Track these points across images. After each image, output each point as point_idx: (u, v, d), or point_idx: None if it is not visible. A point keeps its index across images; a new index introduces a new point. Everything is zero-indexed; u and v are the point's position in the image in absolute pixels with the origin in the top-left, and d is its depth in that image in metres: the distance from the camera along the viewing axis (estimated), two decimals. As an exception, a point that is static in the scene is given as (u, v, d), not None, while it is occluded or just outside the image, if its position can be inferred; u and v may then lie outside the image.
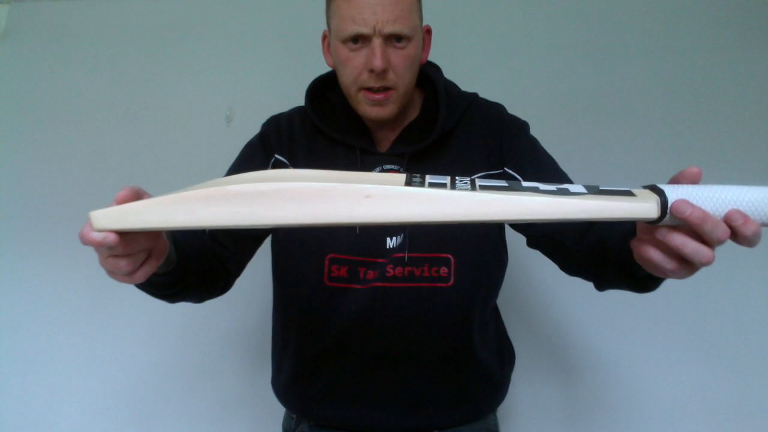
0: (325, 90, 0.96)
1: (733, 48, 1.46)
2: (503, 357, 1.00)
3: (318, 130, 0.94)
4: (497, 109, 0.98)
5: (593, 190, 0.52)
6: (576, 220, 0.50)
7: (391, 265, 0.87)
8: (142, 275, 0.60)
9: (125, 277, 0.58)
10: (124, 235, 0.54)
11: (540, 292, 1.43)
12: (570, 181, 0.86)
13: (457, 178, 0.55)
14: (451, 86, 0.97)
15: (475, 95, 0.98)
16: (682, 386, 1.40)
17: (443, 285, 0.88)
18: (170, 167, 1.50)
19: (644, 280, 0.68)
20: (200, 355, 1.48)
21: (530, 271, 1.40)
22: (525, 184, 0.54)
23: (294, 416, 0.99)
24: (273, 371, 1.02)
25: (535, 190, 0.52)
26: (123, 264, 0.57)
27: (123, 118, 1.56)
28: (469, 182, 0.54)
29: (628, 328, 1.41)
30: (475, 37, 1.50)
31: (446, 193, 0.50)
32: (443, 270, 0.88)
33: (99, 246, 0.53)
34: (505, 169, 0.90)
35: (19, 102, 1.58)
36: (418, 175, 0.55)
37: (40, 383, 1.49)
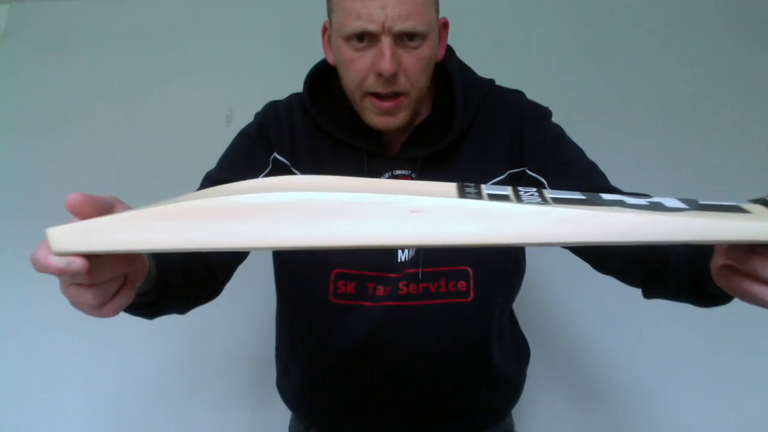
0: (325, 77, 0.85)
1: (733, 48, 1.46)
2: (520, 355, 0.95)
3: (320, 127, 0.83)
4: (516, 97, 0.87)
5: (694, 205, 0.42)
6: (679, 243, 0.40)
7: (404, 282, 0.79)
8: (113, 309, 0.47)
9: (92, 310, 0.46)
10: (92, 259, 0.41)
11: (550, 286, 1.43)
12: (601, 174, 0.80)
13: (520, 188, 0.45)
14: (466, 73, 0.86)
15: (491, 83, 0.87)
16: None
17: (462, 300, 0.79)
18: (170, 167, 1.49)
19: (715, 298, 0.60)
20: (203, 353, 1.48)
21: (543, 266, 1.39)
22: (606, 196, 0.44)
23: (304, 422, 0.95)
24: (279, 373, 0.97)
25: (622, 204, 0.42)
26: (89, 296, 0.44)
27: (123, 118, 1.56)
28: (536, 194, 0.44)
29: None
30: (475, 37, 1.50)
31: (517, 208, 0.40)
32: (461, 284, 0.79)
33: (60, 274, 0.41)
34: (526, 170, 0.81)
35: (19, 102, 1.58)
36: (473, 185, 0.45)
37: (40, 383, 1.48)
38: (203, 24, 1.58)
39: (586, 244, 0.40)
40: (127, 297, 0.48)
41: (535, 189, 0.45)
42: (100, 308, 0.46)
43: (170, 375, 1.47)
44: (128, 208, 0.45)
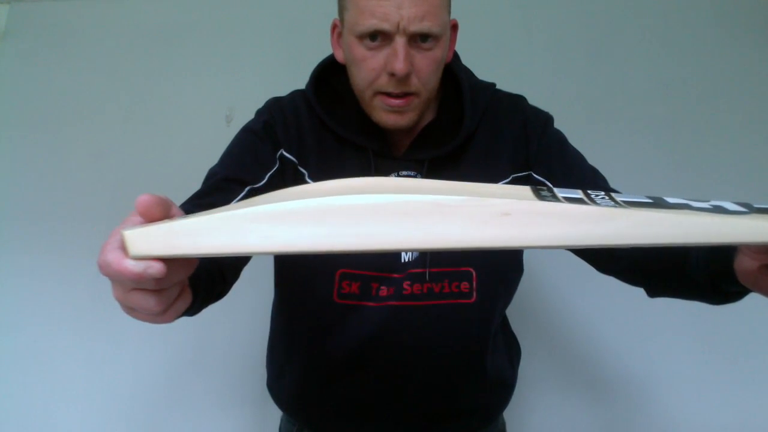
0: (329, 75, 0.84)
1: (733, 48, 1.46)
2: (512, 354, 0.96)
3: (325, 125, 0.83)
4: (519, 102, 0.88)
5: (752, 209, 0.44)
6: (748, 244, 0.42)
7: (409, 282, 0.79)
8: (173, 315, 0.45)
9: (151, 317, 0.44)
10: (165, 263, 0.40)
11: (542, 286, 1.43)
12: (603, 178, 0.81)
13: (590, 191, 0.46)
14: (470, 77, 0.87)
15: (493, 87, 0.88)
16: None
17: (465, 301, 0.80)
18: (170, 167, 1.49)
19: (729, 296, 0.62)
20: (195, 354, 1.47)
21: (536, 267, 1.39)
22: (670, 199, 0.45)
23: (296, 424, 0.95)
24: (272, 374, 0.96)
25: (688, 207, 0.43)
26: (153, 302, 0.42)
27: (123, 118, 1.56)
28: (607, 196, 0.45)
29: (642, 324, 1.39)
30: (475, 37, 1.50)
31: (604, 212, 0.41)
32: (464, 285, 0.80)
33: (138, 279, 0.39)
34: (532, 173, 0.82)
35: (19, 102, 1.58)
36: (545, 188, 0.46)
37: (40, 383, 1.49)
38: (203, 24, 1.58)
39: (666, 245, 0.41)
40: (186, 301, 0.46)
41: (603, 192, 0.46)
42: (162, 315, 0.44)
43: (163, 375, 1.47)
44: (181, 210, 0.44)
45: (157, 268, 0.38)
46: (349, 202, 0.39)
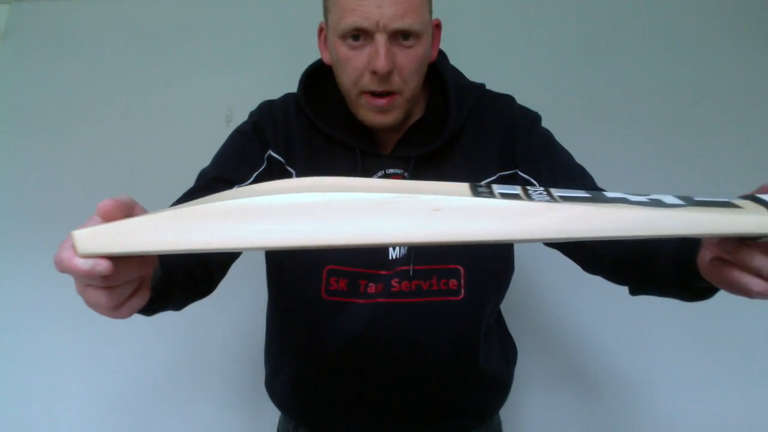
0: (319, 78, 0.86)
1: (733, 48, 1.46)
2: (507, 355, 0.96)
3: (314, 126, 0.85)
4: (507, 102, 0.89)
5: (690, 202, 0.45)
6: (679, 236, 0.43)
7: (397, 279, 0.80)
8: (128, 311, 0.48)
9: (107, 311, 0.47)
10: (114, 261, 0.42)
11: (538, 287, 1.43)
12: (589, 176, 0.82)
13: (528, 187, 0.47)
14: (458, 77, 0.88)
15: (482, 87, 0.89)
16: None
17: (453, 298, 0.81)
18: (170, 167, 1.49)
19: (701, 292, 0.62)
20: (194, 354, 1.48)
21: (531, 267, 1.40)
22: (609, 194, 0.46)
23: (292, 422, 0.95)
24: (268, 372, 0.97)
25: (625, 201, 0.44)
26: (104, 298, 0.44)
27: (122, 118, 1.56)
28: (545, 192, 0.46)
29: (639, 325, 1.39)
30: (475, 36, 1.50)
31: (533, 206, 0.42)
32: (452, 282, 0.81)
33: (86, 276, 0.41)
34: (518, 171, 0.83)
35: (19, 102, 1.58)
36: (484, 185, 0.46)
37: (40, 383, 1.49)
38: (203, 24, 1.58)
39: (595, 239, 0.42)
40: (143, 299, 0.49)
41: (542, 188, 0.47)
42: (116, 310, 0.47)
43: (162, 375, 1.47)
44: (144, 209, 0.46)
45: (104, 265, 0.41)
46: (284, 201, 0.41)
